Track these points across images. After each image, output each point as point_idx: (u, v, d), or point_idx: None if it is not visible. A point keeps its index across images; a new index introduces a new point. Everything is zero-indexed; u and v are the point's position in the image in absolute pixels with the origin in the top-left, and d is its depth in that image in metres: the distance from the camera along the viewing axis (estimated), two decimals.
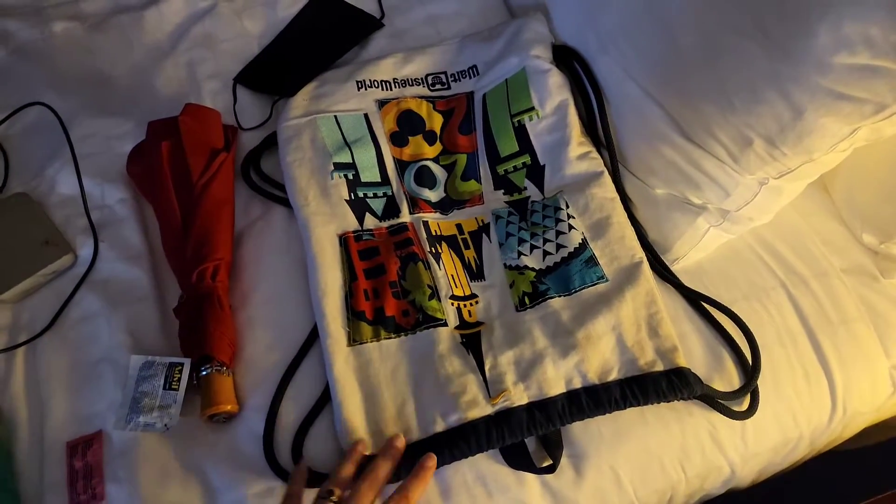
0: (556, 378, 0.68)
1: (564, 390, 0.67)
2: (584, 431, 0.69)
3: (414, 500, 0.58)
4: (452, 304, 0.73)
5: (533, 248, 0.76)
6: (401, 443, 0.63)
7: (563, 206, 0.77)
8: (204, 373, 0.67)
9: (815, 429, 0.75)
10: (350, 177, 0.80)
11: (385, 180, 0.81)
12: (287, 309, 0.74)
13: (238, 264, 0.77)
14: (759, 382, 0.71)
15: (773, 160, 0.68)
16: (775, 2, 0.61)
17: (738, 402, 0.71)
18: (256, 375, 0.71)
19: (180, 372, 0.67)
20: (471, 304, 0.74)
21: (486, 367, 0.69)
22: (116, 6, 0.96)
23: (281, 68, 0.89)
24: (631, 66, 0.75)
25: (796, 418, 0.73)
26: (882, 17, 0.56)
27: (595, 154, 0.80)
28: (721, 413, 0.69)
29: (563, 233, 0.76)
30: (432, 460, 0.61)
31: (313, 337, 0.72)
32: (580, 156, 0.80)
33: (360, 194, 0.80)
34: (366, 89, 0.86)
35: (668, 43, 0.69)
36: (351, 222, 0.77)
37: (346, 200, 0.78)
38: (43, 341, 0.72)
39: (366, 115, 0.85)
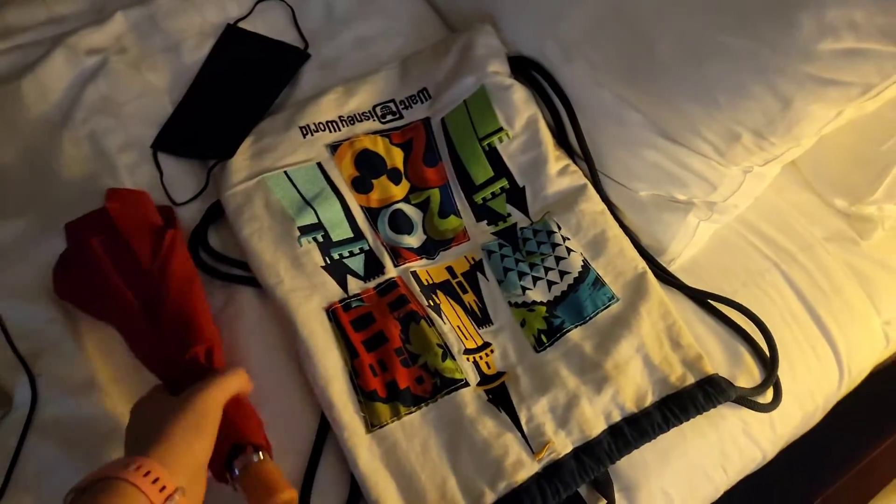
0: (595, 416, 0.64)
1: (606, 427, 0.64)
2: (629, 462, 0.66)
3: None
4: (468, 359, 0.67)
5: (536, 279, 0.71)
6: None
7: (556, 229, 0.73)
8: (244, 465, 0.54)
9: (828, 396, 0.77)
10: (320, 239, 0.71)
11: (358, 234, 0.73)
12: (286, 405, 0.65)
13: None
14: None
15: (761, 150, 0.67)
16: None
17: (763, 394, 0.71)
18: None
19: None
20: (486, 355, 0.68)
21: (523, 422, 0.64)
22: None
23: (205, 125, 0.77)
24: (601, 74, 0.72)
25: (812, 393, 0.75)
26: (866, 1, 0.55)
27: (574, 167, 0.77)
28: (752, 409, 0.69)
29: (563, 257, 0.71)
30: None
31: (324, 429, 0.64)
32: (559, 171, 0.76)
33: (336, 256, 0.71)
34: (312, 135, 0.77)
35: (642, 49, 0.66)
36: (334, 291, 0.69)
37: (321, 267, 0.70)
38: None
39: (319, 165, 0.75)
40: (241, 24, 0.87)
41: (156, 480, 0.46)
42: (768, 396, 0.71)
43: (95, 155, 0.76)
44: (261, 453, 0.56)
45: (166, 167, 0.76)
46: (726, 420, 0.70)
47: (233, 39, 0.84)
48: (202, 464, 0.52)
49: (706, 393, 0.66)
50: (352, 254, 0.72)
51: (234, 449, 0.55)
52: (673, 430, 0.66)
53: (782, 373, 0.72)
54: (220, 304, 0.70)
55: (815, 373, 0.75)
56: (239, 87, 0.80)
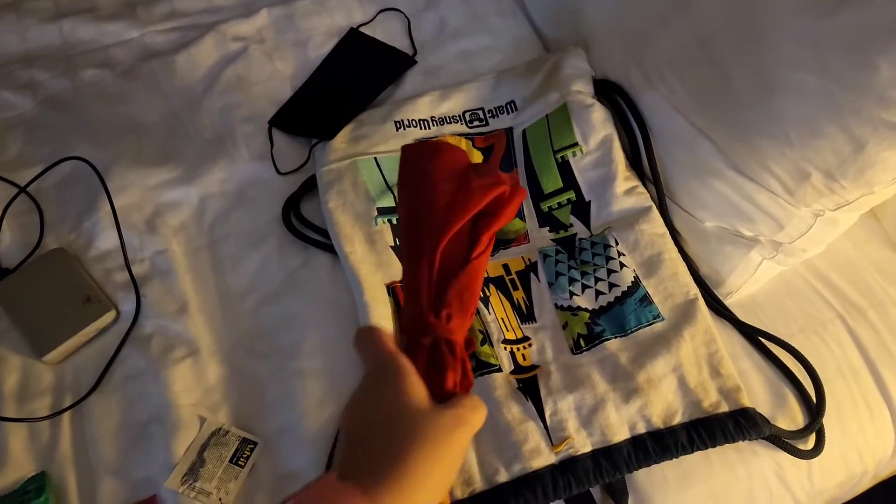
0: (620, 423, 0.66)
1: (629, 436, 0.66)
2: (649, 476, 0.67)
3: None
4: (505, 348, 0.72)
5: (584, 287, 0.75)
6: None
7: (613, 244, 0.76)
8: None
9: (880, 462, 0.73)
10: (394, 222, 0.79)
11: None
12: (338, 359, 0.73)
13: (284, 315, 0.76)
14: (823, 419, 0.69)
15: (832, 193, 0.67)
16: (835, 35, 0.60)
17: (804, 440, 0.69)
18: (311, 430, 0.69)
19: (251, 451, 0.65)
20: (524, 348, 0.72)
21: (547, 414, 0.67)
22: (146, 51, 0.95)
23: (316, 110, 0.88)
24: (679, 101, 0.74)
25: (861, 453, 0.72)
26: None
27: (642, 189, 0.79)
28: (789, 453, 0.68)
29: (615, 271, 0.74)
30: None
31: None
32: (627, 191, 0.79)
33: None
34: (404, 129, 0.85)
35: (720, 79, 0.69)
36: (397, 270, 0.76)
37: (391, 247, 0.77)
38: (89, 403, 0.70)
39: None
40: (363, 29, 0.98)
41: None
42: (809, 444, 0.69)
43: (223, 123, 0.89)
44: None
45: (278, 141, 0.88)
46: (759, 458, 0.68)
47: (353, 41, 0.96)
48: None
49: (738, 423, 0.66)
50: None
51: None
52: (699, 456, 0.67)
53: (830, 424, 0.70)
54: (297, 263, 0.79)
55: (867, 431, 0.72)
56: (350, 82, 0.91)
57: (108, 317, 0.74)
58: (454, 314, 0.51)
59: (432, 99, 0.88)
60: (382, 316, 0.72)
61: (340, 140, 0.84)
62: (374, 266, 0.75)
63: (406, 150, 0.59)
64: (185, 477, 0.64)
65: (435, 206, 0.55)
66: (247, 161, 0.85)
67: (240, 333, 0.75)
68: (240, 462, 0.66)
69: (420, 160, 0.58)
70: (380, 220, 0.78)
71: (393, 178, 0.82)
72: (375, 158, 0.83)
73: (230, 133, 0.87)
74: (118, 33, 0.97)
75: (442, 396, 0.43)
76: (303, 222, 0.82)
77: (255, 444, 0.67)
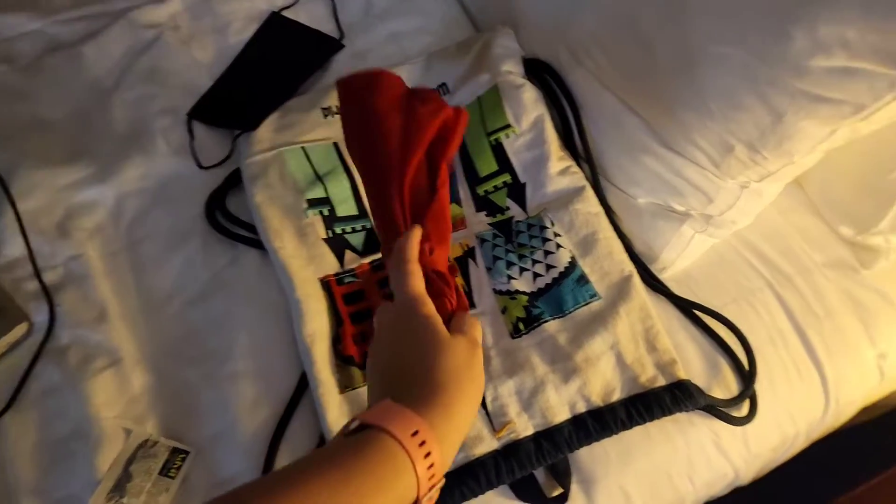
0: (560, 404, 0.66)
1: (569, 416, 0.66)
2: (591, 455, 0.67)
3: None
4: None
5: (522, 270, 0.74)
6: None
7: (549, 225, 0.75)
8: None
9: (811, 424, 0.76)
10: (325, 213, 0.76)
11: (363, 213, 0.78)
12: (272, 359, 0.70)
13: (212, 317, 0.73)
14: (755, 385, 0.71)
15: (755, 164, 0.68)
16: (752, 7, 0.60)
17: (738, 407, 0.71)
18: (246, 434, 0.66)
19: (183, 461, 0.62)
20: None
21: (488, 400, 0.67)
22: (50, 43, 0.89)
23: (238, 100, 0.84)
24: (606, 77, 0.74)
25: (793, 416, 0.74)
26: (858, 19, 0.56)
27: (576, 168, 0.79)
28: (723, 421, 0.69)
29: (551, 252, 0.74)
30: None
31: (303, 386, 0.69)
32: (561, 171, 0.78)
33: (338, 230, 0.76)
34: (332, 116, 0.82)
35: (644, 52, 0.69)
36: (331, 263, 0.73)
37: (323, 239, 0.75)
38: (3, 422, 0.66)
39: (335, 145, 0.81)
40: (285, 13, 0.94)
41: (431, 466, 0.37)
42: (743, 411, 0.71)
43: (137, 117, 0.84)
44: None
45: (198, 134, 0.83)
46: (696, 428, 0.70)
47: (275, 26, 0.92)
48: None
49: (674, 396, 0.67)
50: (354, 230, 0.77)
51: None
52: (639, 431, 0.67)
53: (762, 391, 0.72)
54: (224, 262, 0.76)
55: (797, 395, 0.74)
56: (273, 69, 0.87)
57: (20, 329, 0.70)
58: (435, 246, 0.54)
59: None
60: (316, 312, 0.70)
61: (265, 130, 0.80)
62: (306, 261, 0.73)
63: (341, 85, 0.58)
64: (110, 493, 0.61)
65: (389, 141, 0.56)
66: (165, 156, 0.81)
67: (166, 339, 0.71)
68: (170, 473, 0.63)
69: (361, 94, 0.57)
70: (310, 212, 0.75)
71: (322, 168, 0.79)
72: (303, 148, 0.80)
73: (146, 127, 0.83)
74: (18, 25, 0.90)
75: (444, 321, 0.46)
76: (229, 218, 0.78)
77: (187, 453, 0.65)
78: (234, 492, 0.34)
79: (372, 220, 0.62)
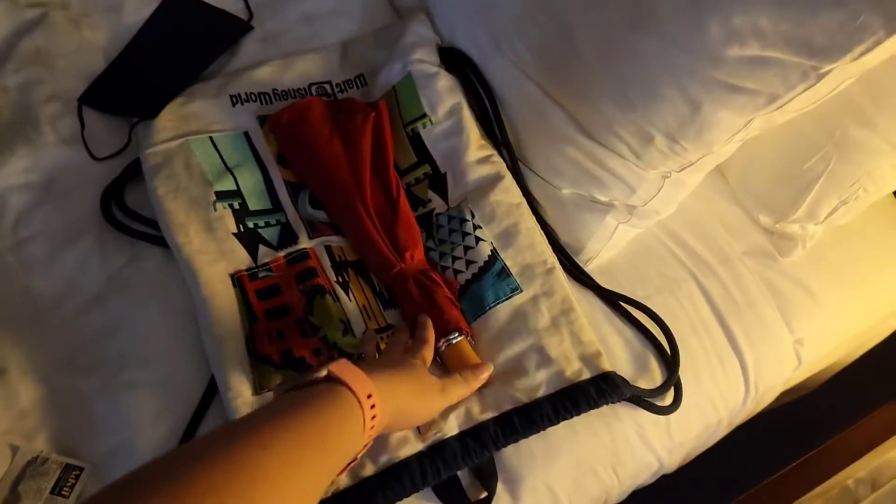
0: (485, 404, 0.64)
1: (496, 414, 0.64)
2: (516, 454, 0.66)
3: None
4: None
5: (444, 269, 0.71)
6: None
7: (469, 217, 0.73)
8: (454, 340, 0.66)
9: (732, 410, 0.77)
10: (236, 206, 0.71)
11: (277, 207, 0.73)
12: (176, 365, 0.65)
13: (109, 321, 0.67)
14: (679, 374, 0.71)
15: (675, 155, 0.67)
16: None
17: (663, 397, 0.71)
18: (146, 448, 0.61)
19: (76, 478, 0.57)
20: (388, 336, 0.68)
21: None
22: None
23: (135, 85, 0.77)
24: (527, 66, 0.72)
25: (715, 404, 0.75)
26: (770, 8, 0.56)
27: (496, 157, 0.77)
28: (648, 410, 0.69)
29: (472, 247, 0.71)
30: (488, 371, 0.64)
31: (212, 392, 0.64)
32: (480, 160, 0.76)
33: (250, 224, 0.71)
34: (242, 104, 0.77)
35: (565, 42, 0.67)
36: (242, 258, 0.69)
37: (234, 234, 0.70)
38: None
39: (246, 134, 0.76)
40: None
41: (374, 416, 0.47)
42: (668, 400, 0.71)
43: (21, 104, 0.76)
44: (460, 335, 0.66)
45: (90, 122, 0.76)
46: (621, 421, 0.69)
47: (176, 4, 0.84)
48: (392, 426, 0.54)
49: (599, 389, 0.65)
50: (268, 224, 0.72)
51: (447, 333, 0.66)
52: (564, 426, 0.66)
53: (686, 381, 0.72)
54: (123, 260, 0.70)
55: (719, 384, 0.75)
56: (175, 51, 0.80)
57: None
58: (413, 251, 0.69)
59: (273, 69, 0.80)
60: (226, 311, 0.65)
61: (167, 118, 0.74)
62: (215, 256, 0.68)
63: (274, 126, 0.73)
64: None
65: (339, 171, 0.69)
66: (54, 146, 0.74)
67: (57, 347, 0.65)
68: (63, 492, 0.58)
69: (294, 129, 0.71)
70: (219, 205, 0.70)
71: (232, 159, 0.74)
72: (211, 137, 0.74)
73: (31, 115, 0.75)
74: None
75: (441, 318, 0.66)
76: (127, 213, 0.72)
77: (82, 469, 0.59)
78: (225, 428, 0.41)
79: (348, 239, 0.73)
